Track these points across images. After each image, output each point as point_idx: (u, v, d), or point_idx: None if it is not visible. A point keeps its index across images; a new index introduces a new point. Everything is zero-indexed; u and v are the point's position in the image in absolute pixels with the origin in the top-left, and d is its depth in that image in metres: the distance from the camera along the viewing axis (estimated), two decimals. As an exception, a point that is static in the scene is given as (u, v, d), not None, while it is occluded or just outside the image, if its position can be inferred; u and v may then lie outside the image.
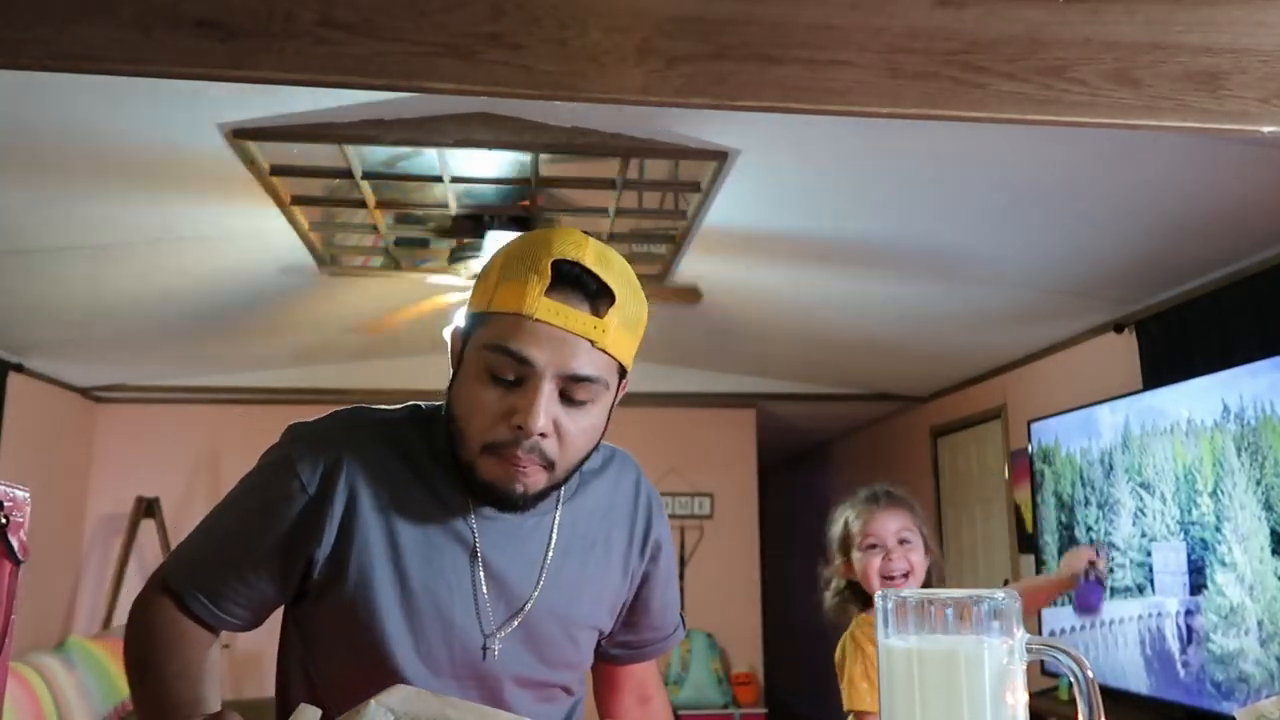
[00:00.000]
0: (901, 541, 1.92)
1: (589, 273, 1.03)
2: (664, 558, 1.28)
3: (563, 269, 1.03)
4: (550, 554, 1.16)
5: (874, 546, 1.93)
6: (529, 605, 1.14)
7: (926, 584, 1.97)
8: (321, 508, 1.09)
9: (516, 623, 1.13)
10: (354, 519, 1.09)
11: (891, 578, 1.90)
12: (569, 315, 1.02)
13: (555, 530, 1.16)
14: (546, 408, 1.03)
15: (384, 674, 1.08)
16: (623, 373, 1.11)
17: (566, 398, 1.05)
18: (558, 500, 1.17)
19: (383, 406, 1.19)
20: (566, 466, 1.09)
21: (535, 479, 1.07)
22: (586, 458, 1.12)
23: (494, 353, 1.04)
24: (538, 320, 1.02)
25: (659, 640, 1.33)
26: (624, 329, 1.06)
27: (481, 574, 1.12)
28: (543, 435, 1.04)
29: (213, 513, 1.16)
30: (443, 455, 1.12)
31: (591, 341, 1.03)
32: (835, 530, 2.02)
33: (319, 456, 1.11)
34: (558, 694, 1.22)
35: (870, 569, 1.92)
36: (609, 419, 1.13)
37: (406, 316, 3.58)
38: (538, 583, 1.14)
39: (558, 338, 1.02)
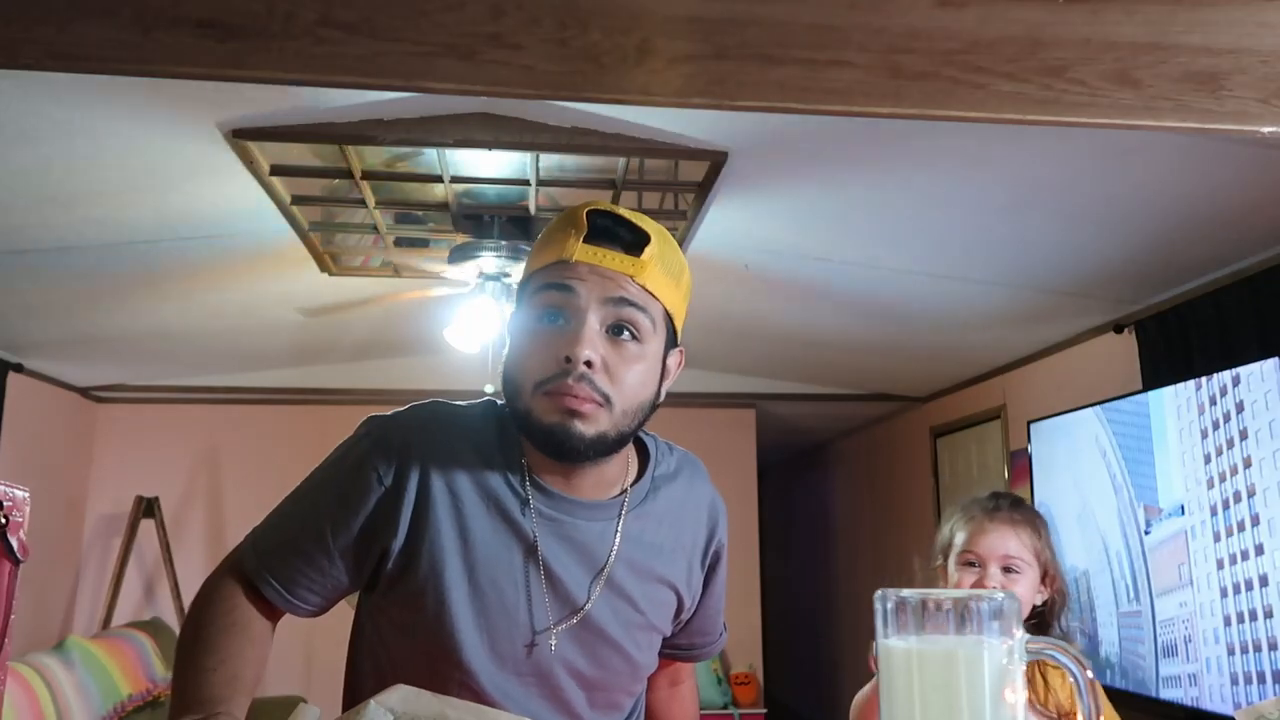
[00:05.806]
0: (1006, 570, 1.63)
1: (624, 221, 1.09)
2: (721, 567, 1.31)
3: (598, 220, 1.08)
4: (612, 561, 1.15)
5: (971, 564, 1.64)
6: (587, 608, 1.14)
7: (1042, 620, 1.67)
8: (397, 500, 1.10)
9: (574, 621, 1.14)
10: (427, 512, 1.11)
11: None
12: (606, 255, 1.07)
13: (618, 539, 1.16)
14: (591, 339, 1.06)
15: (451, 665, 1.10)
16: (671, 333, 1.13)
17: (613, 331, 1.08)
18: (622, 508, 1.17)
19: (459, 401, 1.21)
20: (624, 409, 1.08)
21: (592, 415, 1.06)
22: (644, 414, 1.12)
23: (540, 291, 1.09)
24: (577, 261, 1.07)
25: (703, 646, 1.36)
26: (664, 273, 1.10)
27: (542, 573, 1.12)
28: (589, 365, 1.05)
29: (287, 500, 1.18)
30: (512, 449, 1.14)
31: (631, 276, 1.07)
32: (942, 532, 1.73)
33: (395, 450, 1.12)
34: (619, 696, 1.22)
35: (962, 587, 1.61)
36: (661, 386, 1.14)
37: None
38: (595, 590, 1.15)
39: (598, 273, 1.07)
